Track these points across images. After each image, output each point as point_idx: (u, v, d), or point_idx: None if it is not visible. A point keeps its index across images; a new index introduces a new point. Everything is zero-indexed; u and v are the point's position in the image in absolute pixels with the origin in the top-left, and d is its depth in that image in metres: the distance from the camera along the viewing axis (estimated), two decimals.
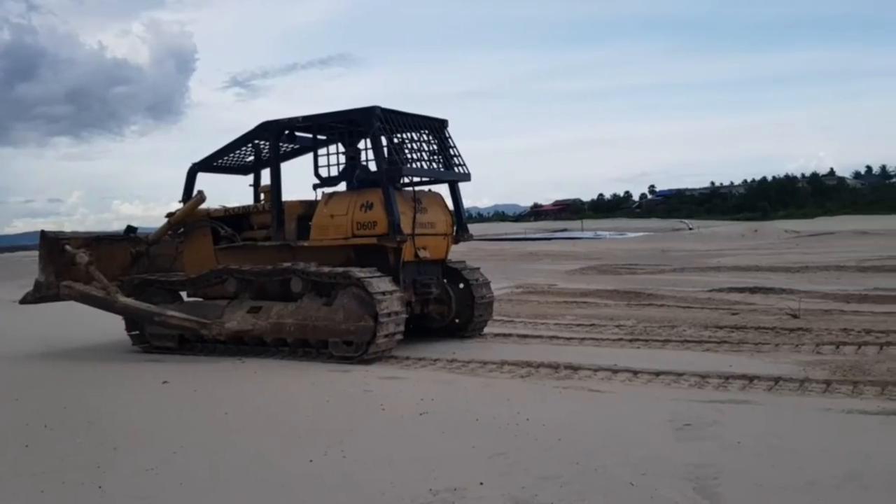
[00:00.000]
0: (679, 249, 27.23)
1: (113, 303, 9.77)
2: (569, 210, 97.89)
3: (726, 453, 4.74)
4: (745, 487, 4.14)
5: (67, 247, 9.97)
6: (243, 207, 10.41)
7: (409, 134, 9.39)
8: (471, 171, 9.81)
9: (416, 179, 9.55)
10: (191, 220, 10.38)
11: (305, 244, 9.25)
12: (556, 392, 6.71)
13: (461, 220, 9.94)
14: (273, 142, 9.69)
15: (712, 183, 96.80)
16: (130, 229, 10.98)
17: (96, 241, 10.49)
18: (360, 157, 9.35)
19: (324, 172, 9.54)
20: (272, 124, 9.64)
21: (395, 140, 9.17)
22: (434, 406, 6.25)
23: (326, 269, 8.72)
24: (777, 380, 6.71)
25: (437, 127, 9.73)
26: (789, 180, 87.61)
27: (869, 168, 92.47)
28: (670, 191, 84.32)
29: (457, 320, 9.92)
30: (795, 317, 10.20)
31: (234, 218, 10.32)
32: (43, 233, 10.20)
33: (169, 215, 10.51)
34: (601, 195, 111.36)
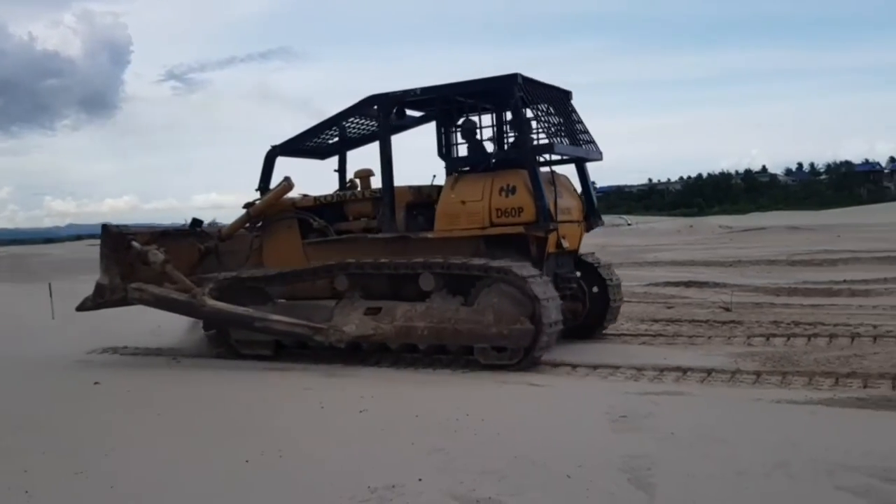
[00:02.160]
0: (618, 245, 27.68)
1: (200, 307, 8.45)
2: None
3: (660, 444, 4.82)
4: (678, 477, 4.23)
5: (135, 243, 8.66)
6: (337, 195, 9.17)
7: (541, 106, 8.15)
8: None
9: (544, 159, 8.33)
10: (273, 211, 9.13)
11: (430, 235, 8.03)
12: (495, 387, 6.76)
13: (593, 205, 8.81)
14: (384, 118, 8.47)
15: (650, 180, 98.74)
16: (196, 222, 9.64)
17: (162, 237, 9.21)
18: (478, 135, 8.51)
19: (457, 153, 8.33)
20: (383, 98, 8.38)
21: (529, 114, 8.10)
22: (373, 404, 6.22)
23: (478, 262, 7.54)
24: (710, 371, 6.89)
25: (562, 99, 8.64)
26: (724, 177, 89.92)
27: (799, 165, 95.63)
28: (610, 187, 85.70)
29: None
30: (728, 310, 10.48)
31: (325, 208, 9.04)
32: (105, 228, 8.91)
33: (247, 206, 9.21)
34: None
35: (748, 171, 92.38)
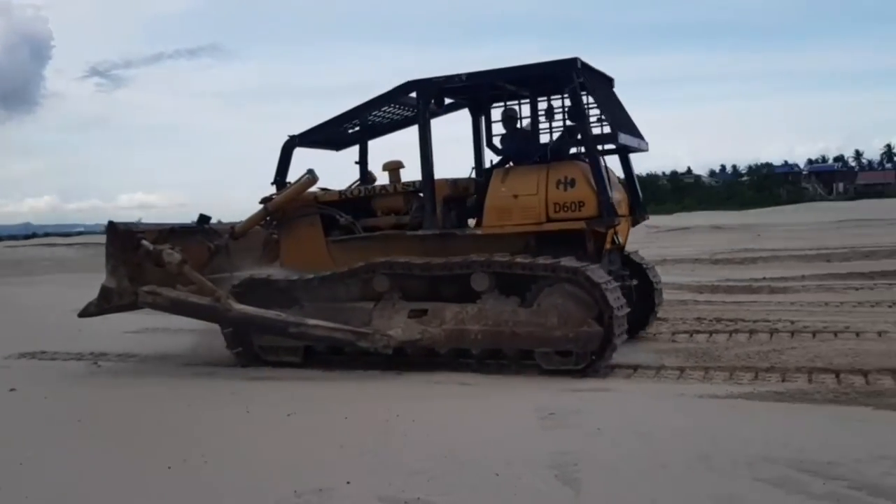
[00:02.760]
0: None
1: (225, 311, 7.67)
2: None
3: (587, 440, 4.89)
4: (603, 472, 4.29)
5: (145, 242, 7.87)
6: (365, 189, 8.51)
7: (599, 93, 7.68)
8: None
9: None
10: (293, 206, 8.41)
11: (479, 232, 7.52)
12: (426, 387, 6.74)
13: (639, 198, 8.40)
14: (423, 106, 7.76)
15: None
16: (203, 219, 8.86)
17: (170, 234, 8.37)
18: (519, 122, 8.16)
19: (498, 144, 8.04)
20: (423, 84, 7.73)
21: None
22: (302, 406, 6.13)
23: (544, 261, 6.99)
24: (636, 367, 7.03)
25: (609, 85, 8.20)
26: (651, 178, 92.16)
27: (723, 167, 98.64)
28: None
29: None
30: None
31: (351, 203, 8.39)
32: (112, 225, 8.07)
33: (264, 201, 8.51)
34: None
35: (674, 173, 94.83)
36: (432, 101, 7.86)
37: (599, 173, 7.14)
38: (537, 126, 8.15)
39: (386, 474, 4.42)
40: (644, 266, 8.54)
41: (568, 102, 7.82)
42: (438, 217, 7.66)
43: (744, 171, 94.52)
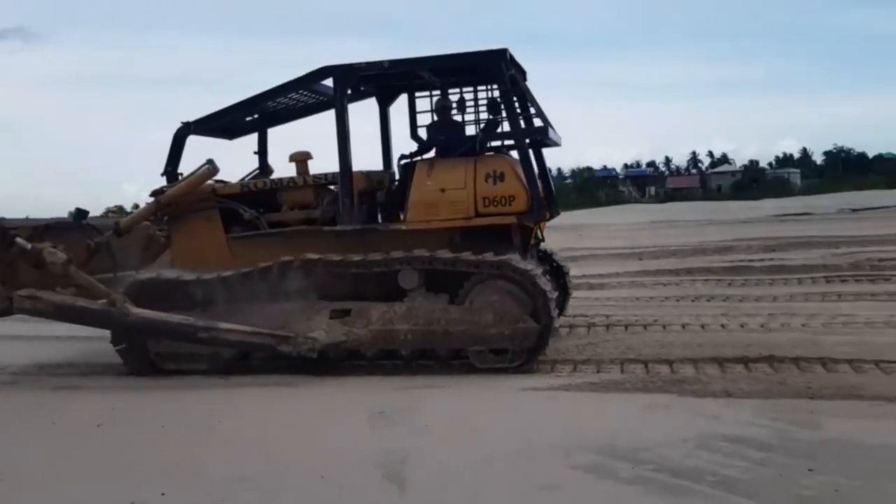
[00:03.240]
0: None
1: (122, 317, 6.86)
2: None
3: (415, 438, 4.93)
4: (429, 468, 4.34)
5: (20, 240, 6.95)
6: (272, 182, 7.87)
7: (524, 85, 7.49)
8: None
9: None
10: (189, 200, 7.63)
11: (404, 227, 7.16)
12: (251, 391, 6.53)
13: (552, 193, 8.02)
14: (341, 94, 7.27)
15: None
16: (81, 214, 7.88)
17: (46, 231, 7.41)
18: (449, 115, 7.81)
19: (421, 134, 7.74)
20: (342, 70, 7.25)
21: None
22: (114, 416, 5.76)
23: (488, 258, 6.73)
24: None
25: (523, 77, 7.94)
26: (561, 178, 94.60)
27: (549, 170, 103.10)
28: None
29: None
30: None
31: (253, 196, 7.74)
32: None
33: (155, 193, 7.67)
34: None
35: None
36: (350, 88, 7.46)
37: (530, 167, 7.09)
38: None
39: (205, 484, 4.23)
40: (553, 257, 8.58)
41: (496, 94, 7.75)
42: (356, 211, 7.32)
43: (568, 174, 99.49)
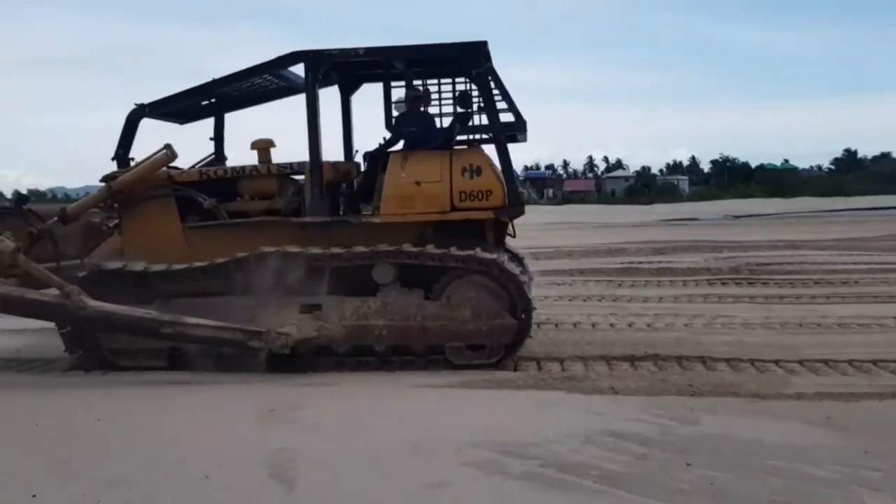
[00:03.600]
0: None
1: (78, 310, 6.35)
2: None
3: (306, 436, 4.84)
4: (319, 466, 4.27)
5: None
6: (233, 170, 7.48)
7: (499, 78, 7.22)
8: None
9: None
10: (143, 186, 7.21)
11: (376, 220, 6.98)
12: (134, 388, 6.28)
13: (517, 188, 7.59)
14: (313, 80, 7.03)
15: None
16: (22, 199, 7.48)
17: None
18: (425, 106, 7.60)
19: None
20: (314, 55, 7.00)
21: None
22: None
23: (462, 252, 6.60)
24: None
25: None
26: None
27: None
28: None
29: None
30: None
31: (211, 184, 7.34)
32: None
33: (107, 179, 7.19)
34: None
35: None
36: (322, 73, 7.18)
37: (508, 162, 7.00)
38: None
39: (80, 485, 4.02)
40: (518, 254, 8.44)
41: (465, 87, 7.76)
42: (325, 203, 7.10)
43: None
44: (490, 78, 6.97)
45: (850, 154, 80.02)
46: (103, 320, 6.50)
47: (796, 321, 8.37)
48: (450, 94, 8.14)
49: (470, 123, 7.60)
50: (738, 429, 4.76)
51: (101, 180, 7.32)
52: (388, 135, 7.79)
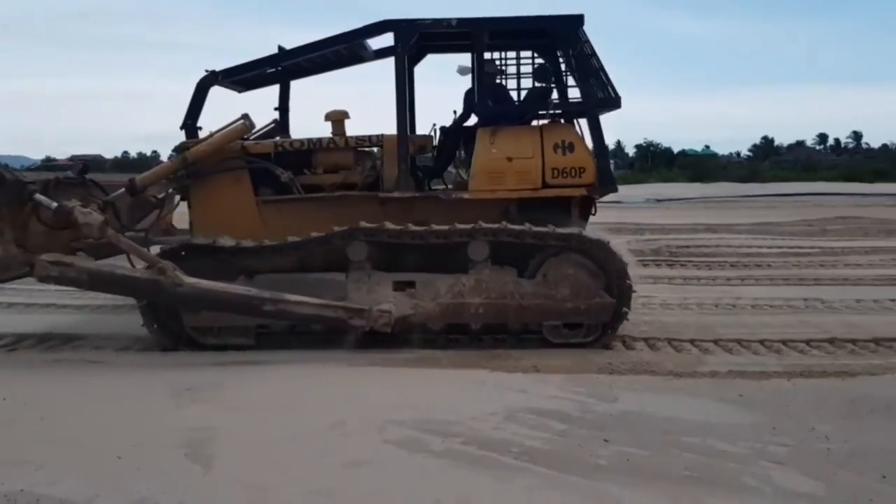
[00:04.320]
0: None
1: (174, 287, 6.04)
2: (90, 167, 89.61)
3: (224, 415, 4.74)
4: (237, 445, 4.20)
5: (40, 197, 6.09)
6: (309, 142, 7.19)
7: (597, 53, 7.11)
8: None
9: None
10: (215, 158, 6.90)
11: (466, 196, 6.77)
12: (45, 366, 6.05)
13: (608, 165, 7.55)
14: (403, 51, 6.82)
15: None
16: (85, 168, 6.99)
17: (55, 186, 6.45)
18: (498, 79, 7.34)
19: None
20: (404, 25, 6.78)
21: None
22: None
23: (565, 231, 6.46)
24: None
25: None
26: None
27: None
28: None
29: None
30: None
31: (286, 156, 7.12)
32: None
33: (182, 148, 6.90)
34: (126, 153, 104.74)
35: None
36: (413, 44, 7.01)
37: (600, 138, 6.87)
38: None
39: None
40: None
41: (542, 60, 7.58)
42: (387, 178, 6.95)
43: None
44: (585, 51, 6.86)
45: (767, 142, 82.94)
46: (201, 298, 6.25)
47: (712, 302, 8.63)
48: (517, 68, 7.89)
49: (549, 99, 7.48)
50: (654, 406, 4.88)
51: (175, 150, 7.13)
52: (458, 110, 7.69)
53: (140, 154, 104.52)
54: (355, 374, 5.81)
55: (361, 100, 7.31)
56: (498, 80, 7.67)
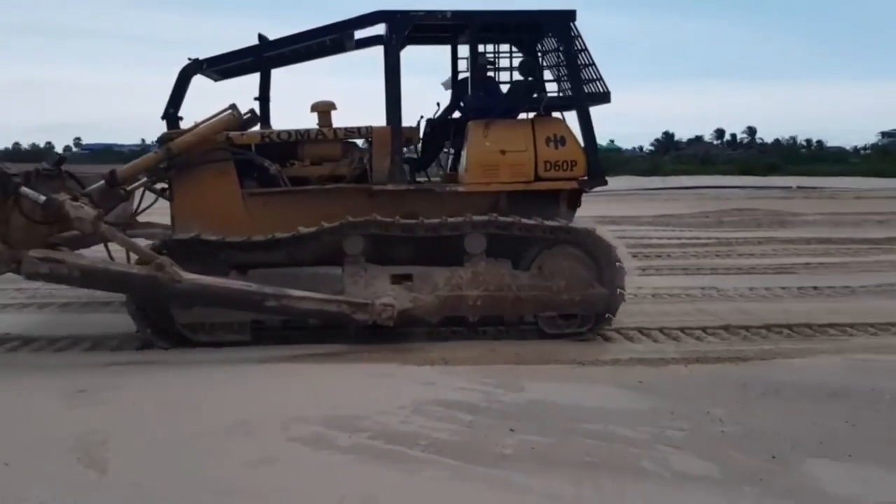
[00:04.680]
0: None
1: (172, 283, 5.84)
2: None
3: (120, 417, 4.57)
4: (134, 448, 4.05)
5: (27, 190, 5.86)
6: (296, 132, 6.97)
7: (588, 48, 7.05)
8: None
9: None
10: (200, 150, 6.66)
11: (461, 188, 6.77)
12: None
13: (598, 158, 7.45)
14: (396, 42, 6.73)
15: (143, 140, 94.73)
16: (61, 159, 6.69)
17: (36, 177, 6.19)
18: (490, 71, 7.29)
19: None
20: (400, 16, 6.72)
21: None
22: None
23: (558, 223, 6.59)
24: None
25: None
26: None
27: None
28: (98, 145, 79.55)
29: None
30: None
31: (272, 148, 6.93)
32: None
33: (166, 139, 6.64)
34: (17, 144, 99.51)
35: None
36: (405, 35, 6.90)
37: (591, 132, 6.94)
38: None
39: None
40: None
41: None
42: (378, 169, 6.82)
43: None
44: (576, 46, 6.94)
45: (668, 136, 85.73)
46: (200, 294, 6.07)
47: None
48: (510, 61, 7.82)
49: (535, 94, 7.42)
50: (558, 395, 4.98)
51: (158, 141, 6.90)
52: (441, 101, 7.70)
53: (33, 145, 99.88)
54: (260, 372, 5.69)
55: (329, 92, 7.30)
56: (489, 74, 7.65)
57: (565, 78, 7.09)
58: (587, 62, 6.97)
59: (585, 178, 6.94)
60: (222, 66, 7.36)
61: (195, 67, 7.04)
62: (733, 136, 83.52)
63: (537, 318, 6.74)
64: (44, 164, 6.65)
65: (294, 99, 7.49)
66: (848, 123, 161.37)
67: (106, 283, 6.23)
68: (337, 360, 5.99)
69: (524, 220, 6.55)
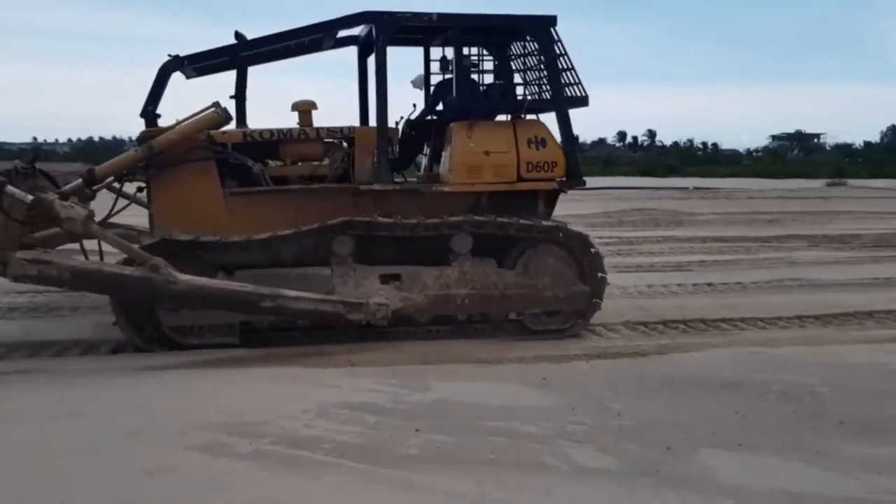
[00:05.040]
0: None
1: (167, 285, 5.73)
2: None
3: (2, 427, 4.33)
4: (18, 460, 3.83)
5: (12, 189, 5.62)
6: (279, 132, 6.90)
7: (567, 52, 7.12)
8: None
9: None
10: (181, 148, 6.49)
11: (446, 189, 6.83)
12: None
13: (577, 160, 7.46)
14: (383, 42, 6.67)
15: (35, 138, 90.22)
16: (35, 156, 6.56)
17: (16, 175, 5.96)
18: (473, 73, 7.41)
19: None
20: (387, 18, 6.71)
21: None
22: None
23: (550, 223, 6.83)
24: (74, 345, 6.55)
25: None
26: (117, 143, 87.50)
27: None
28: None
29: None
30: None
31: (254, 147, 6.85)
32: None
33: (146, 137, 6.45)
34: None
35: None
36: (392, 36, 6.86)
37: (570, 134, 7.10)
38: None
39: None
40: None
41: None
42: (360, 170, 6.85)
43: None
44: (557, 50, 7.04)
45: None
46: (195, 295, 5.94)
47: None
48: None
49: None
50: (463, 393, 5.01)
51: (138, 139, 6.71)
52: (416, 101, 7.73)
53: None
54: (153, 379, 5.49)
55: (301, 92, 7.24)
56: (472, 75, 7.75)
57: (545, 80, 7.26)
58: (567, 66, 7.15)
59: (564, 178, 7.12)
60: (202, 64, 7.21)
61: (175, 64, 6.91)
62: (634, 138, 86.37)
63: (523, 316, 6.91)
64: (18, 162, 6.38)
65: (262, 98, 7.51)
66: (741, 127, 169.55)
67: (98, 284, 6.02)
68: (239, 364, 5.84)
69: (522, 221, 6.76)
